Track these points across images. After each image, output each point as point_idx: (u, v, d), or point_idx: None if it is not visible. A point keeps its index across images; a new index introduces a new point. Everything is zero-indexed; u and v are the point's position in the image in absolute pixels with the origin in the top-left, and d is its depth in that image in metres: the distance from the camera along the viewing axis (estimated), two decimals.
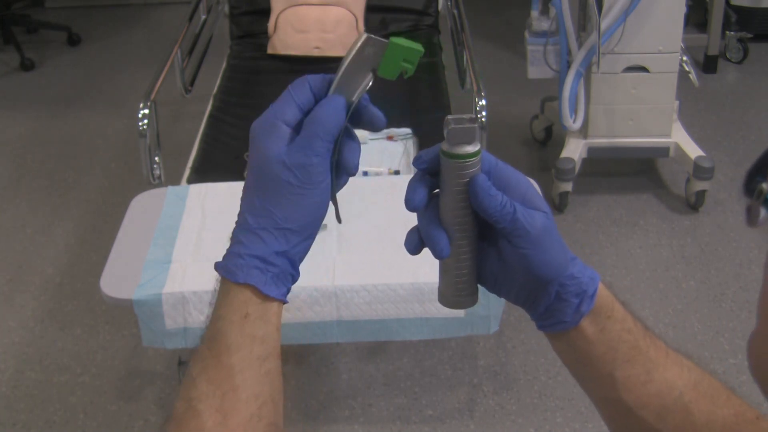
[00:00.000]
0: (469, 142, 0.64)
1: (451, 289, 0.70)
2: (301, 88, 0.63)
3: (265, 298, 0.61)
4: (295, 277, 0.64)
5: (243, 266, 0.61)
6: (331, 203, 0.65)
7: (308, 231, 0.62)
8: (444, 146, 0.65)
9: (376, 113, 0.65)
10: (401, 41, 0.64)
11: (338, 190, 0.65)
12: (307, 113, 0.63)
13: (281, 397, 0.62)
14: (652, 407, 0.64)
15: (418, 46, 0.64)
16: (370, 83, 0.65)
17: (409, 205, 0.64)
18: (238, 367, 0.59)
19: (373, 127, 0.66)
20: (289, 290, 0.63)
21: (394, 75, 0.65)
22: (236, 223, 0.63)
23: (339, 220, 0.67)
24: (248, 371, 0.60)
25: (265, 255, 0.61)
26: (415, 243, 0.66)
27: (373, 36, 0.64)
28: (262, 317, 0.61)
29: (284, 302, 0.63)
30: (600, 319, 0.64)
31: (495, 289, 0.67)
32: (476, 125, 0.64)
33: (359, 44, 0.64)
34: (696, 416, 0.63)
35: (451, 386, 2.23)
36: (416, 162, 0.65)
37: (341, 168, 0.64)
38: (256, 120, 0.64)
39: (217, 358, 0.60)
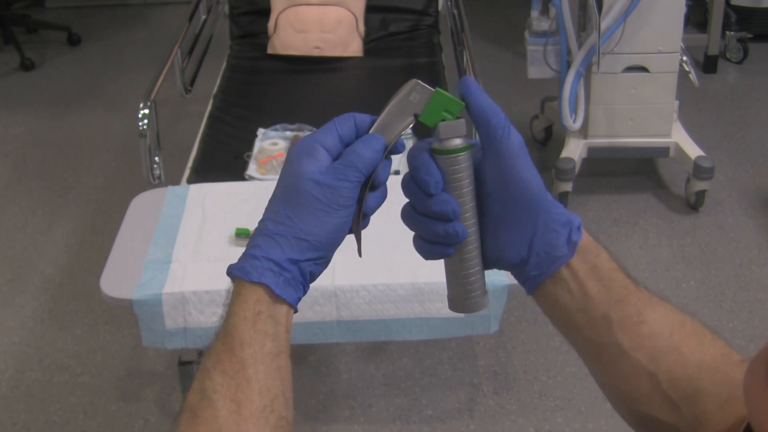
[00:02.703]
0: (459, 136, 0.65)
1: (460, 290, 0.70)
2: (346, 121, 0.67)
3: (276, 299, 0.64)
4: (305, 288, 0.66)
5: (258, 267, 0.64)
6: (354, 236, 0.68)
7: (323, 250, 0.65)
8: (435, 143, 0.67)
9: (401, 146, 0.69)
10: (446, 93, 0.66)
11: (362, 228, 0.68)
12: (346, 145, 0.67)
13: (291, 395, 0.64)
14: (646, 348, 0.65)
15: (460, 101, 0.67)
16: (410, 127, 0.67)
17: (428, 186, 0.66)
18: (250, 360, 0.62)
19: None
20: (299, 299, 0.66)
21: (433, 123, 0.67)
22: (256, 229, 0.66)
23: (360, 254, 0.70)
24: (260, 365, 0.62)
25: (280, 260, 0.64)
26: (425, 246, 0.69)
27: (420, 83, 0.66)
28: (272, 316, 0.64)
29: (295, 308, 0.66)
30: (590, 257, 0.66)
31: (493, 243, 0.68)
32: (464, 119, 0.66)
33: (406, 89, 0.67)
34: (687, 356, 0.64)
35: (451, 386, 2.23)
36: (415, 149, 0.68)
37: (373, 185, 0.68)
38: (297, 142, 0.68)
39: (230, 351, 0.62)
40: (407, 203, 0.69)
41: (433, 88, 0.66)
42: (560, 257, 0.66)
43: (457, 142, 0.66)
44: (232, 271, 0.65)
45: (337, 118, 0.67)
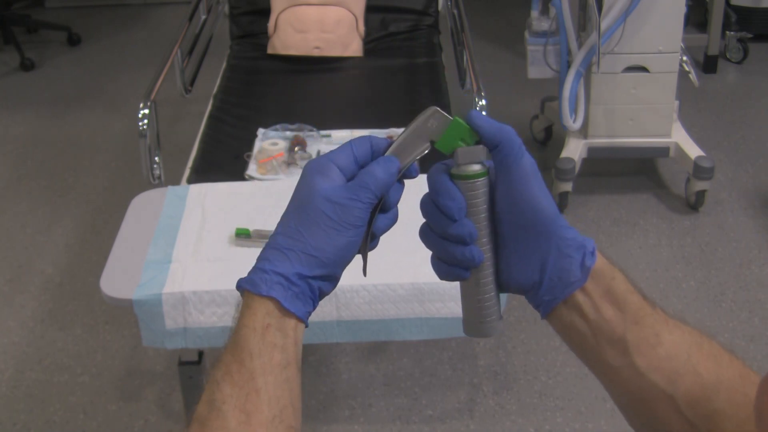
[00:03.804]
0: (477, 162, 0.66)
1: (476, 315, 0.70)
2: (362, 143, 0.69)
3: (286, 312, 0.64)
4: (315, 303, 0.67)
5: (267, 280, 0.64)
6: (360, 256, 0.69)
7: (331, 267, 0.66)
8: (453, 168, 0.67)
9: (414, 171, 0.70)
10: (463, 122, 0.67)
11: (370, 250, 0.69)
12: (361, 166, 0.68)
13: (300, 405, 0.65)
14: (663, 371, 0.65)
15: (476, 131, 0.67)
16: (425, 152, 0.68)
17: (452, 212, 0.67)
18: (259, 371, 0.62)
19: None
20: (309, 313, 0.66)
21: (449, 150, 0.68)
22: (267, 243, 0.67)
23: (365, 273, 0.71)
24: (269, 375, 0.63)
25: (288, 274, 0.65)
26: (441, 267, 0.69)
27: (439, 110, 0.67)
28: (281, 329, 0.64)
29: (305, 323, 0.66)
30: (605, 280, 0.66)
31: (505, 267, 0.69)
32: (482, 146, 0.67)
33: (425, 115, 0.67)
34: (704, 377, 0.64)
35: (451, 386, 2.23)
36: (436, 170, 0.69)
37: (384, 207, 0.69)
38: (311, 159, 0.69)
39: (239, 363, 0.63)
40: (425, 223, 0.69)
41: (451, 117, 0.67)
42: (573, 282, 0.66)
43: (476, 167, 0.67)
44: (241, 284, 0.66)
45: (354, 140, 0.69)
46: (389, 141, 0.69)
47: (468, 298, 0.70)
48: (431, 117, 0.67)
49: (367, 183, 0.66)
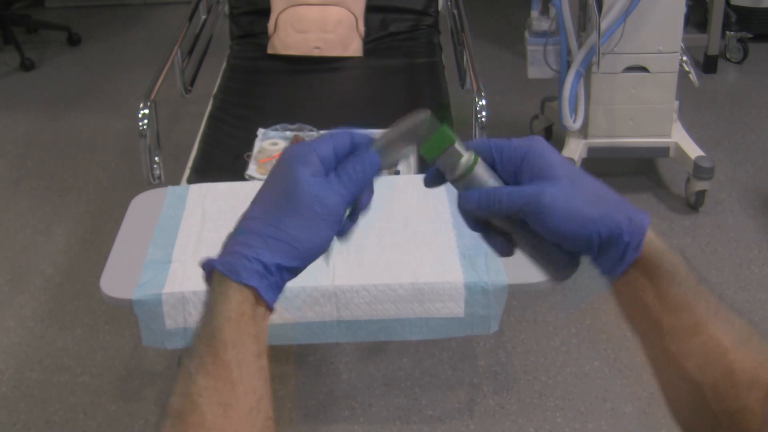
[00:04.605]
0: (461, 158, 0.66)
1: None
2: (342, 135, 0.68)
3: (259, 301, 0.63)
4: (280, 293, 0.66)
5: (248, 268, 0.63)
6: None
7: (306, 260, 0.66)
8: (448, 177, 0.68)
9: (367, 201, 0.70)
10: (448, 131, 0.66)
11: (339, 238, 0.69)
12: (339, 157, 0.67)
13: (271, 394, 0.64)
14: (695, 360, 0.65)
15: (453, 136, 0.66)
16: (409, 155, 0.67)
17: (500, 206, 0.67)
18: (235, 362, 0.61)
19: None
20: (274, 303, 0.66)
21: (432, 158, 0.67)
22: (242, 225, 0.66)
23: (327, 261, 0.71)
24: (245, 366, 0.61)
25: (268, 263, 0.63)
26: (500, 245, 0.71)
27: (432, 115, 0.67)
28: (254, 318, 0.63)
29: (272, 311, 0.65)
30: (648, 268, 0.66)
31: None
32: (422, 119, 0.66)
33: (416, 118, 0.67)
34: (738, 376, 0.64)
35: (451, 386, 2.23)
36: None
37: (354, 209, 0.68)
38: (293, 145, 0.68)
39: (214, 354, 0.61)
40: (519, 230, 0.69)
41: (441, 124, 0.67)
42: (610, 274, 0.67)
43: (464, 161, 0.66)
44: (217, 267, 0.64)
45: (335, 132, 0.68)
46: (370, 136, 0.68)
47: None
48: (422, 121, 0.66)
49: (351, 179, 0.66)
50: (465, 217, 0.71)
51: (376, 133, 0.68)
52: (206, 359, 0.61)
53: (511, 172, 0.68)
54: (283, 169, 0.66)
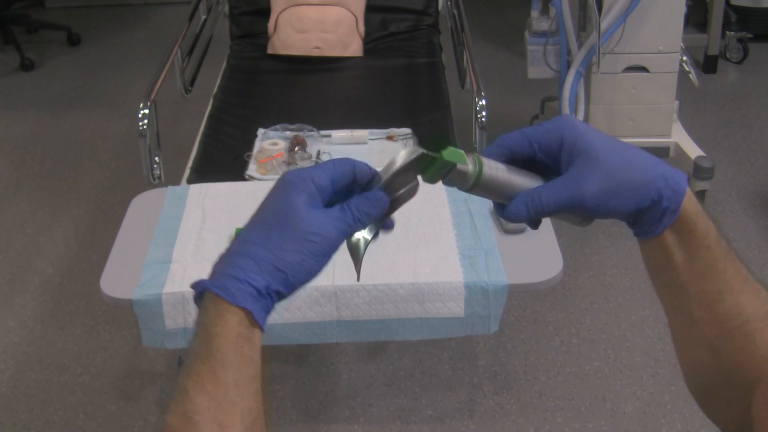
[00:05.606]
0: (466, 170, 0.67)
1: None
2: (343, 165, 0.68)
3: (254, 323, 0.64)
4: (268, 316, 0.67)
5: (242, 291, 0.63)
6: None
7: (296, 287, 0.66)
8: (464, 190, 0.68)
9: (391, 224, 0.72)
10: (451, 155, 0.66)
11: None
12: (336, 186, 0.67)
13: (264, 416, 0.65)
14: (716, 326, 0.65)
15: (448, 162, 0.66)
16: (413, 190, 0.69)
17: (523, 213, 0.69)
18: (233, 383, 0.62)
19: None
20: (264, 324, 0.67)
21: (434, 182, 0.68)
22: (236, 248, 0.66)
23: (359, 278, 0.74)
24: (243, 387, 0.62)
25: (261, 287, 0.64)
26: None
27: (425, 151, 0.66)
28: (249, 339, 0.64)
29: (263, 332, 0.66)
30: (682, 231, 0.67)
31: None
32: (416, 155, 0.66)
33: (410, 156, 0.66)
34: (758, 346, 0.64)
35: (451, 386, 2.23)
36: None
37: (377, 231, 0.70)
38: (290, 171, 0.68)
39: (212, 374, 0.62)
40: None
41: (436, 154, 0.67)
42: (645, 234, 0.68)
43: (470, 170, 0.67)
44: (211, 289, 0.64)
45: (336, 160, 0.68)
46: (373, 170, 0.68)
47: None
48: (418, 159, 0.66)
49: (355, 217, 0.67)
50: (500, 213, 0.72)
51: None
52: (204, 378, 0.61)
53: (552, 158, 0.69)
54: (280, 196, 0.66)
